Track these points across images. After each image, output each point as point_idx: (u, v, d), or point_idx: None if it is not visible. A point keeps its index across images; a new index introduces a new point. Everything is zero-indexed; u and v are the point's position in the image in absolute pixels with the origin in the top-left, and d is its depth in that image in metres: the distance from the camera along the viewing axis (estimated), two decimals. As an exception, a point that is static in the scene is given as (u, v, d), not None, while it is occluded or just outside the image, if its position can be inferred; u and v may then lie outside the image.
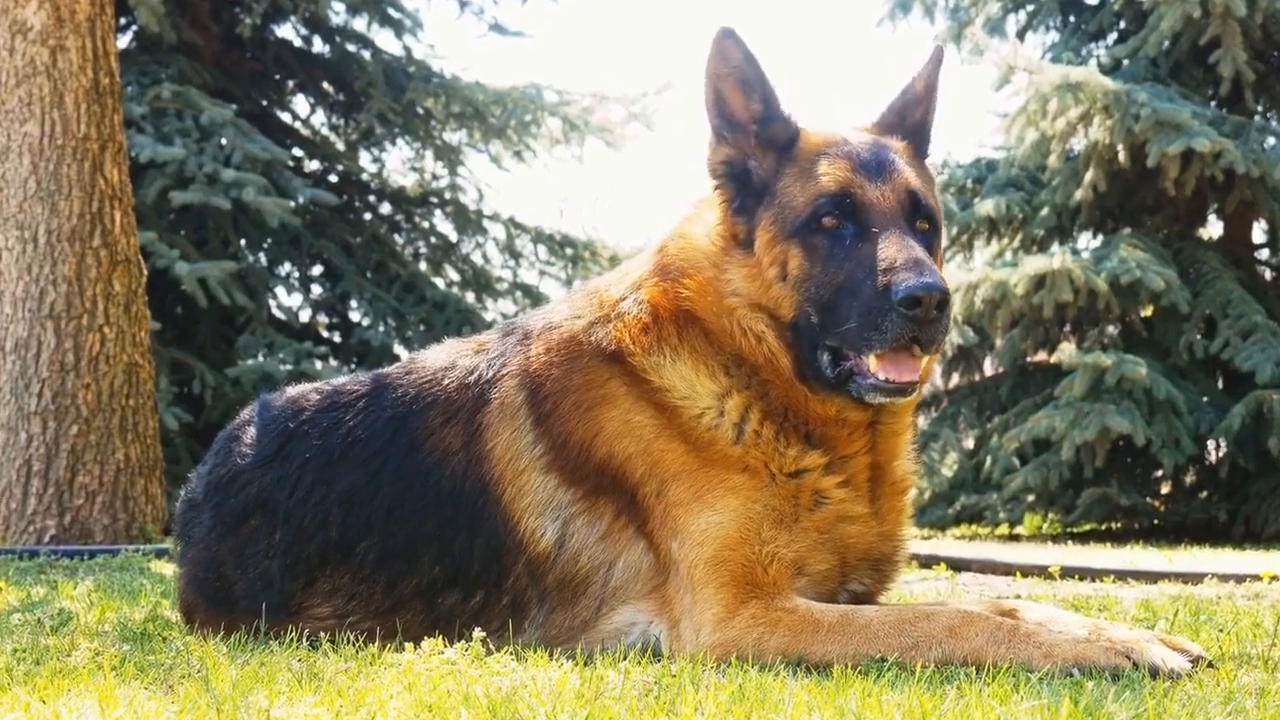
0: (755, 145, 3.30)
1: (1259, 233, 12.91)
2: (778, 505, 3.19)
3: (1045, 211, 12.35)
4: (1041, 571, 6.35)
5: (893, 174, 3.23)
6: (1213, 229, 13.09)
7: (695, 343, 3.30)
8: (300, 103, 14.95)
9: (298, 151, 14.29)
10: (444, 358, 3.60)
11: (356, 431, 3.55)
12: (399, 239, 14.74)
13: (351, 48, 14.24)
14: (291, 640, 3.36)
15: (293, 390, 3.83)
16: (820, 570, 3.24)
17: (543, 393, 3.35)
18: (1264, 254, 13.09)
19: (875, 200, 3.18)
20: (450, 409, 3.46)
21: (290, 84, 14.55)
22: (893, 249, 3.07)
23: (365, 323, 13.46)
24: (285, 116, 14.65)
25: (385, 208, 14.82)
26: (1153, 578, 6.19)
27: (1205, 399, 11.54)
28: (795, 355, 3.21)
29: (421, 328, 13.27)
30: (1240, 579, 5.99)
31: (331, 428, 3.59)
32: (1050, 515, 12.62)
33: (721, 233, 3.32)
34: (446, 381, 3.50)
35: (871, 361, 3.10)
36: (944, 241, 3.54)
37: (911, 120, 3.46)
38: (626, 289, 3.43)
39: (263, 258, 13.26)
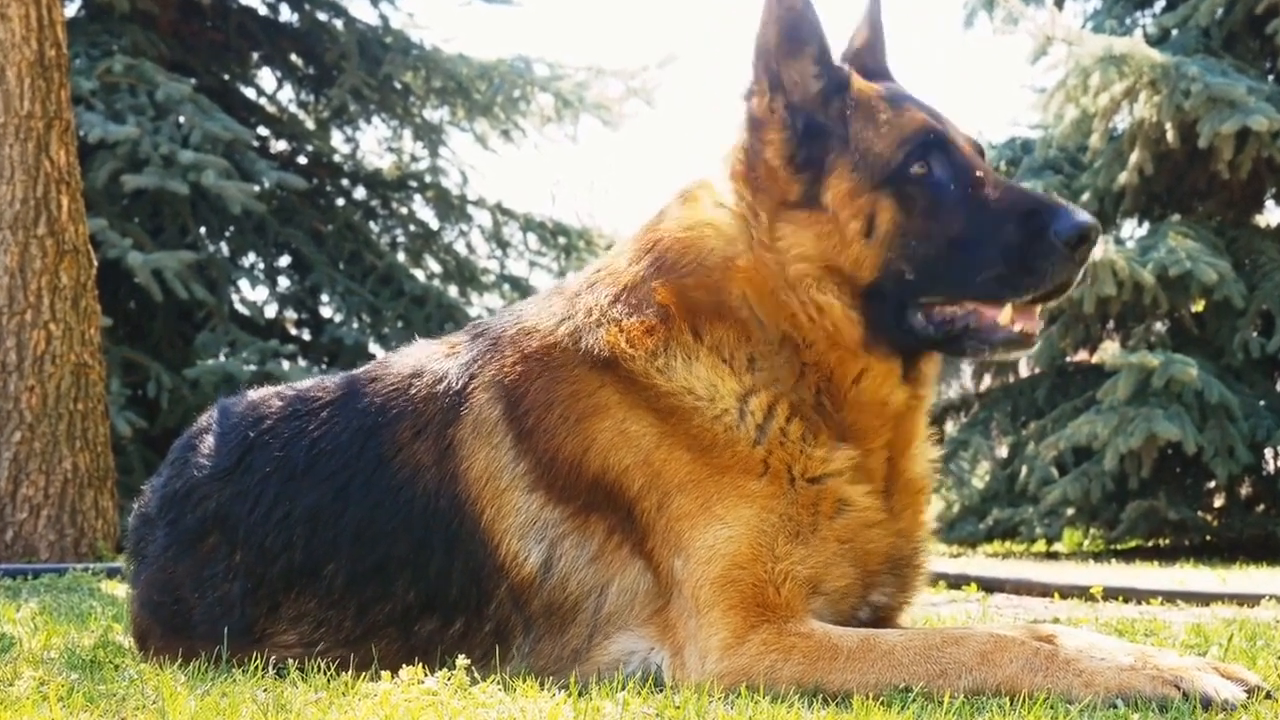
0: (816, 93, 3.33)
1: (1321, 220, 12.91)
2: (795, 515, 3.19)
3: (1086, 196, 12.35)
4: (1082, 593, 6.35)
5: (952, 123, 3.34)
6: (1270, 215, 13.07)
7: (722, 336, 3.30)
8: (266, 77, 14.96)
9: (263, 130, 14.29)
10: (412, 361, 3.60)
11: (321, 443, 3.55)
12: (375, 226, 14.75)
13: (322, 16, 14.24)
14: (256, 668, 3.36)
15: (254, 395, 3.83)
16: (839, 586, 3.24)
17: (523, 406, 3.34)
18: (1327, 243, 13.09)
19: (964, 145, 3.28)
20: (419, 421, 3.46)
21: (255, 56, 14.55)
22: (1016, 193, 3.21)
23: (337, 319, 13.46)
24: (249, 92, 14.66)
25: (359, 192, 14.82)
26: (1204, 599, 6.19)
27: (1262, 403, 11.53)
28: (870, 321, 3.23)
29: (399, 324, 13.28)
30: (1301, 601, 5.99)
31: (295, 438, 3.59)
32: (1092, 531, 12.61)
33: (764, 203, 3.31)
34: (414, 390, 3.50)
35: (1004, 314, 3.19)
36: None
37: (873, 68, 3.51)
38: (619, 291, 3.40)
39: (224, 247, 13.26)
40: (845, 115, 3.29)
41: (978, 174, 3.21)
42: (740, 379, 3.27)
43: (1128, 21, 13.09)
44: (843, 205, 3.23)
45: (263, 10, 14.38)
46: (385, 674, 3.03)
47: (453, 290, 14.70)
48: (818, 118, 3.31)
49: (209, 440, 3.74)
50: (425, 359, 3.58)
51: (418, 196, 14.99)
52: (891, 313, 3.23)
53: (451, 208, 14.85)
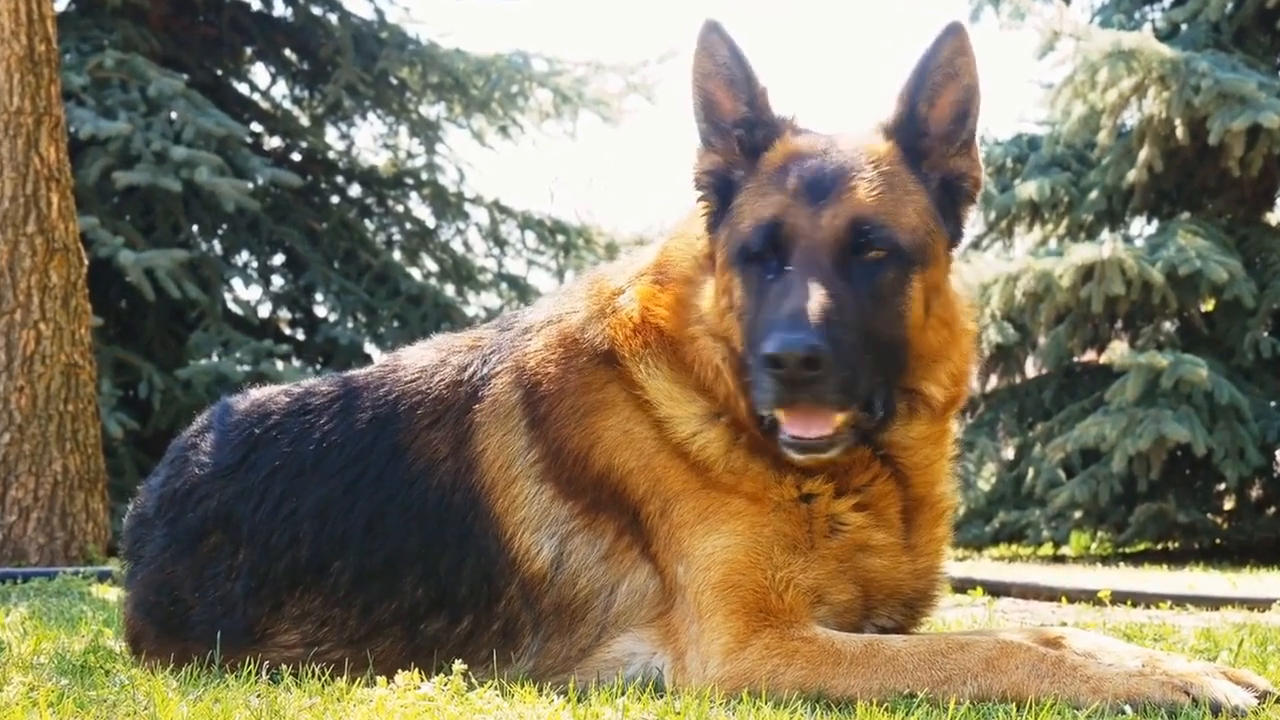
0: (739, 153, 3.32)
1: (1333, 218, 12.91)
2: (790, 531, 3.20)
3: (1094, 194, 12.35)
4: (1090, 597, 6.36)
5: (836, 198, 3.15)
6: (1282, 213, 13.09)
7: (674, 356, 3.32)
8: (259, 72, 14.96)
9: (256, 127, 14.30)
10: (433, 354, 3.62)
11: (332, 436, 3.56)
12: (370, 224, 14.75)
13: (317, 11, 14.24)
14: (250, 673, 3.35)
15: (258, 393, 3.84)
16: (842, 600, 3.24)
17: (539, 393, 3.38)
18: (1339, 241, 13.08)
19: (803, 231, 3.13)
20: (439, 409, 3.48)
21: (248, 51, 14.56)
22: (789, 296, 3.03)
23: (332, 318, 13.47)
24: (243, 88, 14.66)
25: (355, 189, 14.83)
26: (1214, 604, 6.19)
27: (1273, 404, 11.54)
28: (747, 394, 3.17)
29: (395, 324, 13.28)
30: (1312, 605, 5.99)
31: (303, 433, 3.60)
32: (1100, 534, 12.62)
33: (703, 247, 3.36)
34: (437, 379, 3.53)
35: (782, 415, 3.07)
36: (952, 254, 3.35)
37: (920, 114, 3.28)
38: (627, 280, 3.45)
39: (217, 246, 13.27)
40: (743, 183, 3.28)
41: (787, 269, 3.08)
42: (696, 401, 3.27)
43: (1136, 16, 13.09)
44: (719, 275, 3.26)
45: (256, 5, 14.38)
46: (381, 680, 3.03)
47: (449, 289, 14.71)
48: (736, 183, 3.31)
49: (210, 438, 3.74)
50: (447, 352, 3.60)
51: (414, 194, 14.99)
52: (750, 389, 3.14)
53: (448, 205, 14.86)
